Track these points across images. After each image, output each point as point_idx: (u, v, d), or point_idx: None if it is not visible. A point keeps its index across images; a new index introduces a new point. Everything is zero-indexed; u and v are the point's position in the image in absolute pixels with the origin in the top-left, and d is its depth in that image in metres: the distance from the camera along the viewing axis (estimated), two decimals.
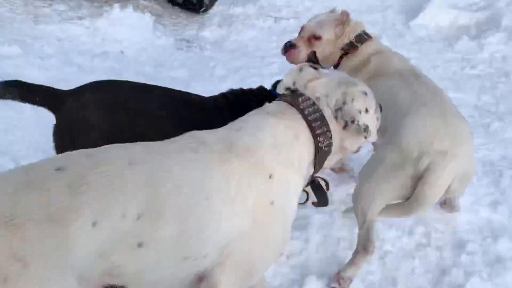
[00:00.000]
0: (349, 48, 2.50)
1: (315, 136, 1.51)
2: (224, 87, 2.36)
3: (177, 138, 1.40)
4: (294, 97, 1.56)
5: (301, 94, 1.56)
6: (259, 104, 1.62)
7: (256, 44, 4.72)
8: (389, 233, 2.49)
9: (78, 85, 2.00)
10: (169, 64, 4.12)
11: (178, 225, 1.22)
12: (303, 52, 2.50)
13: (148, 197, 1.18)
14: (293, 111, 1.52)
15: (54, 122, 1.88)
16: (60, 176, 1.10)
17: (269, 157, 1.41)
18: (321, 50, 2.48)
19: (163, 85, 2.15)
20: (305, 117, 1.51)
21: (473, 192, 2.74)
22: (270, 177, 1.37)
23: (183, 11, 5.19)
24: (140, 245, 1.16)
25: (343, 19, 2.50)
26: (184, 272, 1.30)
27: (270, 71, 4.15)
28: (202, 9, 5.11)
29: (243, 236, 1.31)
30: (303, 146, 1.50)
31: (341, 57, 2.53)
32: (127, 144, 1.34)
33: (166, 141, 1.40)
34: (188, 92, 2.16)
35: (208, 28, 4.89)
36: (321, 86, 1.58)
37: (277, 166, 1.41)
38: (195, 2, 5.00)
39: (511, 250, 2.43)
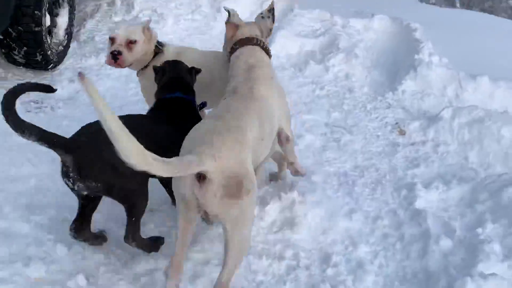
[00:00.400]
0: (158, 49, 3.09)
1: (266, 51, 2.81)
2: None
3: (232, 96, 2.48)
4: (250, 42, 2.76)
5: (251, 38, 2.78)
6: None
7: (113, 94, 4.56)
8: (260, 263, 2.55)
9: None
10: None
11: (268, 127, 2.44)
12: (127, 55, 2.94)
13: (257, 118, 2.32)
14: (255, 48, 2.75)
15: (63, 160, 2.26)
16: (224, 120, 2.20)
17: (268, 71, 2.69)
18: (139, 51, 2.99)
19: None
20: (260, 46, 2.77)
21: (331, 206, 2.94)
22: (271, 78, 2.67)
23: (30, 70, 4.85)
24: (262, 139, 2.36)
25: (147, 25, 3.03)
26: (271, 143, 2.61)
27: None
28: (50, 65, 4.83)
29: (280, 109, 2.64)
30: (266, 56, 2.78)
31: (153, 57, 3.08)
32: (230, 102, 2.42)
33: (228, 98, 2.48)
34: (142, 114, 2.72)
35: (59, 84, 4.56)
36: (252, 29, 2.85)
37: (272, 72, 2.74)
38: (40, 59, 4.65)
39: (368, 253, 2.65)
